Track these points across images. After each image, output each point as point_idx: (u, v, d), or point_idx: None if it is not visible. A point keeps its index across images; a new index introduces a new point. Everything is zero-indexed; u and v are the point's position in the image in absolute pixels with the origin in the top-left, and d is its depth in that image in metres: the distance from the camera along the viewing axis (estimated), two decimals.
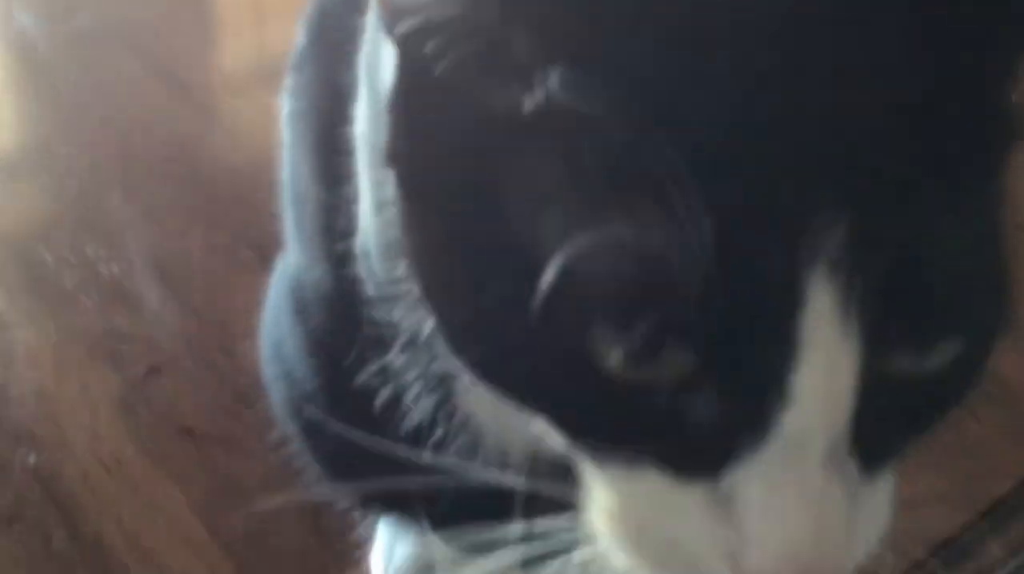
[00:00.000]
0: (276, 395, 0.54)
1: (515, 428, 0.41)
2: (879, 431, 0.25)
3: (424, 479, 0.45)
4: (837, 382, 0.25)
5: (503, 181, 0.27)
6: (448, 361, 0.32)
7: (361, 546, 0.58)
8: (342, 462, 0.53)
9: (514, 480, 0.43)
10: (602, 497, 0.28)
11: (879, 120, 0.25)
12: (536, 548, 0.31)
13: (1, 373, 0.62)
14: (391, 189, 0.32)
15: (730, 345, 0.24)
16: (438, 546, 0.52)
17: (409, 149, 0.30)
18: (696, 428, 0.25)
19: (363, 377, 0.42)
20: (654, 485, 0.26)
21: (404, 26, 0.28)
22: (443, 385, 0.42)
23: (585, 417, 0.27)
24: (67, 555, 0.54)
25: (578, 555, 0.30)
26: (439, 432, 0.42)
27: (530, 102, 0.26)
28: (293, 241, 0.50)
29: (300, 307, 0.50)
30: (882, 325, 0.24)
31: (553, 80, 0.24)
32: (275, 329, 0.53)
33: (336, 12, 0.42)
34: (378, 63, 0.37)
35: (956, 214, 0.25)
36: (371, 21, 0.38)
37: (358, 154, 0.39)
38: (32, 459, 0.58)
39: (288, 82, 0.46)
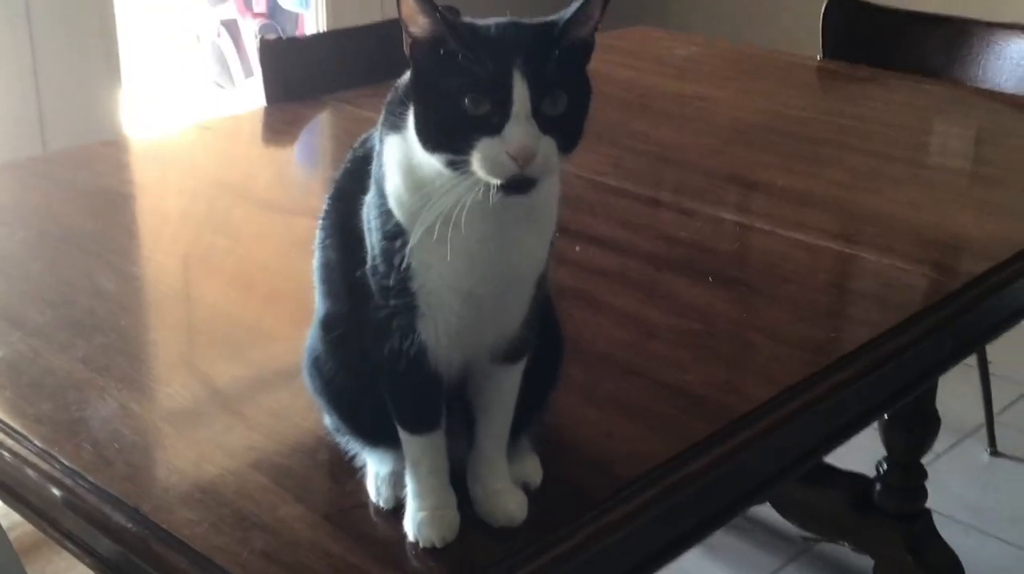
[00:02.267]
0: (311, 386, 0.93)
1: (447, 347, 0.82)
2: (545, 124, 0.76)
3: (394, 398, 0.89)
4: (524, 98, 0.74)
5: (450, 98, 0.75)
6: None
7: (360, 473, 0.94)
8: (351, 412, 0.90)
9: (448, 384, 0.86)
10: (479, 156, 0.75)
11: (536, 50, 0.76)
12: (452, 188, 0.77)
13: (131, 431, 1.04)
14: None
15: (498, 94, 0.74)
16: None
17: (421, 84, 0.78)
18: (492, 123, 0.74)
19: (366, 345, 0.84)
20: (490, 144, 0.75)
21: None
22: (409, 314, 0.81)
23: (461, 131, 0.75)
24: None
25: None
26: (405, 346, 0.82)
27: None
28: (322, 301, 0.90)
29: (327, 329, 0.89)
30: (536, 90, 0.75)
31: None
32: (311, 351, 0.92)
33: (346, 186, 0.87)
34: (381, 168, 0.81)
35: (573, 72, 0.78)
36: (376, 161, 0.82)
37: (367, 225, 0.83)
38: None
39: (320, 225, 0.89)
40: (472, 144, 0.75)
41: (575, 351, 1.15)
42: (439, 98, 0.76)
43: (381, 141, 0.83)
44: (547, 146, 0.76)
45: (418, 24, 0.77)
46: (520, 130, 0.75)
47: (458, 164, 0.76)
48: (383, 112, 0.84)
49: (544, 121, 0.76)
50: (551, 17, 0.80)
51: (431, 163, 0.78)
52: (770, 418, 1.09)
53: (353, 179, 0.87)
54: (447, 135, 0.76)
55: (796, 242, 1.44)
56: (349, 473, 0.95)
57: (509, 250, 0.82)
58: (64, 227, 1.47)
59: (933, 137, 2.01)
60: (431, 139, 0.77)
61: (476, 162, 0.75)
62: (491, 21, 0.79)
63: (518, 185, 0.76)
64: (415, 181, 0.80)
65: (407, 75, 0.82)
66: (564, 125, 0.77)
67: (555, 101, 0.76)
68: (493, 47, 0.76)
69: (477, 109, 0.75)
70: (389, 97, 0.84)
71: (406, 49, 0.79)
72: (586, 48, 0.80)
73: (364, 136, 0.89)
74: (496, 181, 0.76)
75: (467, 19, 0.80)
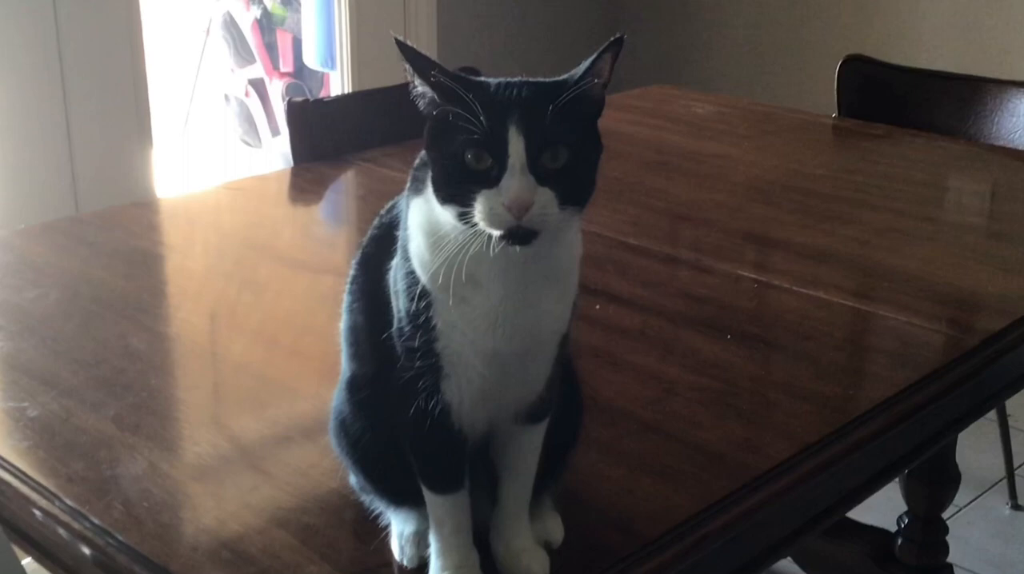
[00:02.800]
0: (337, 447, 0.93)
1: (471, 408, 0.83)
2: (544, 177, 0.77)
3: (418, 458, 0.89)
4: (519, 151, 0.76)
5: (455, 153, 0.78)
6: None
7: (384, 532, 0.94)
8: (376, 472, 0.91)
9: (472, 444, 0.88)
10: (480, 207, 0.77)
11: (535, 106, 0.78)
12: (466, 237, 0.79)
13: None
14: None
15: (496, 149, 0.76)
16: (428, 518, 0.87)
17: (431, 141, 0.81)
18: (491, 176, 0.76)
19: (392, 406, 0.86)
20: (488, 195, 0.77)
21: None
22: (434, 375, 0.82)
23: (465, 184, 0.77)
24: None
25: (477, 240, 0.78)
26: (430, 407, 0.82)
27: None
28: (349, 363, 0.91)
29: (353, 391, 0.90)
30: (532, 144, 0.77)
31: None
32: (337, 413, 0.93)
33: (373, 252, 0.88)
34: (406, 231, 0.83)
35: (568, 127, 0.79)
36: (402, 224, 0.83)
37: (393, 288, 0.85)
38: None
39: (347, 290, 0.90)
40: (475, 196, 0.77)
41: (595, 409, 1.16)
42: (446, 152, 0.79)
43: (407, 205, 0.84)
44: (544, 197, 0.77)
45: (422, 84, 0.80)
46: (515, 182, 0.76)
47: (465, 216, 0.78)
48: (409, 178, 0.85)
49: (544, 174, 0.77)
50: (562, 76, 0.81)
51: (448, 219, 0.80)
52: (790, 476, 1.09)
53: (380, 245, 0.88)
54: (454, 187, 0.78)
55: (814, 299, 1.45)
56: (374, 532, 0.96)
57: (532, 310, 0.83)
58: (96, 287, 1.49)
59: (948, 194, 2.02)
60: (442, 191, 0.80)
61: (477, 214, 0.77)
62: (498, 79, 0.81)
63: (517, 236, 0.78)
64: (435, 239, 0.81)
65: None
66: (566, 178, 0.78)
67: (555, 155, 0.78)
68: (492, 104, 0.78)
69: (478, 164, 0.77)
70: (415, 163, 0.85)
71: (419, 105, 0.82)
72: (593, 105, 0.81)
73: (391, 203, 0.91)
74: (496, 232, 0.77)
75: (480, 78, 0.82)
